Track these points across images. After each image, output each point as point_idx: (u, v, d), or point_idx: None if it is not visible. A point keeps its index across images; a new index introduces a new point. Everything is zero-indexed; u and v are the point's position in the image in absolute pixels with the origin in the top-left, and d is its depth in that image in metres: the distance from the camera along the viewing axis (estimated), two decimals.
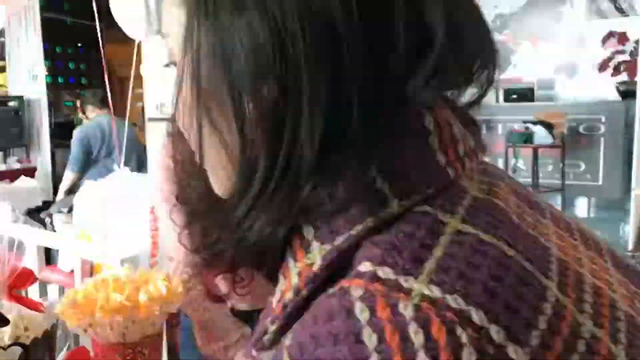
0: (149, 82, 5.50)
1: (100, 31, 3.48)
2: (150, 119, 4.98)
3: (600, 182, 5.24)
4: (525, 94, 5.96)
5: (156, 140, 4.80)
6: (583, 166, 5.29)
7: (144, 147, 4.85)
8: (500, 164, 5.55)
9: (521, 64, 6.75)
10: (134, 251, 2.82)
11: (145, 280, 0.92)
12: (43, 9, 5.71)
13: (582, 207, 5.26)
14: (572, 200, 5.21)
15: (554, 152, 5.17)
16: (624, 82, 5.56)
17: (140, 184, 2.88)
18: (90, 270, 1.63)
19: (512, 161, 4.89)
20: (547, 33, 6.57)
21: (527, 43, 6.72)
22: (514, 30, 6.75)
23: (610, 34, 5.99)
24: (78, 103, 5.51)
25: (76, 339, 1.16)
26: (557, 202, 5.17)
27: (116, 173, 2.84)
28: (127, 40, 3.68)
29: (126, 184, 2.84)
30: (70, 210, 2.97)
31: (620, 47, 5.87)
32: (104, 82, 3.65)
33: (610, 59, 5.85)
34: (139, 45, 3.70)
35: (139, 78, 5.64)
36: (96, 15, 3.44)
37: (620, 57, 5.83)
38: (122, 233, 2.68)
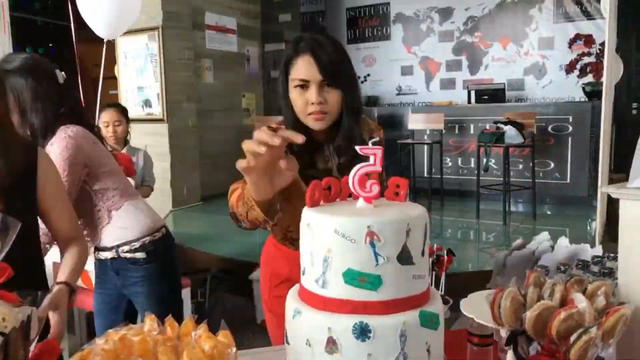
0: (123, 83, 5.44)
1: (73, 31, 3.44)
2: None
3: (568, 180, 5.41)
4: (496, 95, 6.09)
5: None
6: (552, 165, 5.44)
7: None
8: (473, 163, 5.67)
9: (492, 65, 6.92)
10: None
11: (179, 334, 0.73)
12: (12, 8, 5.59)
13: (551, 205, 5.41)
14: (542, 198, 5.35)
15: (524, 151, 5.32)
16: (589, 83, 5.74)
17: None
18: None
19: (483, 160, 5.00)
20: (516, 35, 6.75)
21: (497, 45, 6.89)
22: (485, 33, 6.91)
23: (577, 37, 6.19)
24: None
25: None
26: (527, 199, 5.31)
27: None
28: (99, 40, 3.64)
29: None
30: None
31: (586, 49, 6.05)
32: (77, 83, 3.61)
33: (577, 60, 6.03)
34: (112, 45, 3.67)
35: (114, 79, 5.57)
36: (71, 15, 3.40)
37: (587, 59, 6.01)
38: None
